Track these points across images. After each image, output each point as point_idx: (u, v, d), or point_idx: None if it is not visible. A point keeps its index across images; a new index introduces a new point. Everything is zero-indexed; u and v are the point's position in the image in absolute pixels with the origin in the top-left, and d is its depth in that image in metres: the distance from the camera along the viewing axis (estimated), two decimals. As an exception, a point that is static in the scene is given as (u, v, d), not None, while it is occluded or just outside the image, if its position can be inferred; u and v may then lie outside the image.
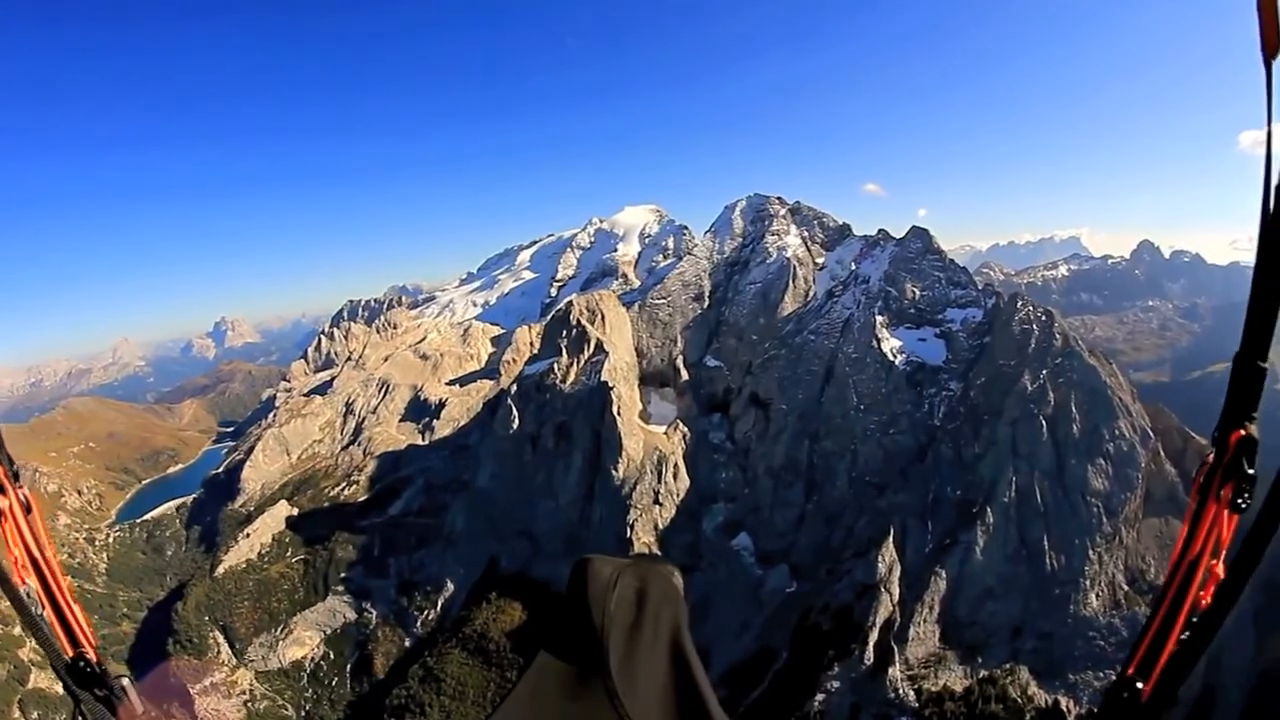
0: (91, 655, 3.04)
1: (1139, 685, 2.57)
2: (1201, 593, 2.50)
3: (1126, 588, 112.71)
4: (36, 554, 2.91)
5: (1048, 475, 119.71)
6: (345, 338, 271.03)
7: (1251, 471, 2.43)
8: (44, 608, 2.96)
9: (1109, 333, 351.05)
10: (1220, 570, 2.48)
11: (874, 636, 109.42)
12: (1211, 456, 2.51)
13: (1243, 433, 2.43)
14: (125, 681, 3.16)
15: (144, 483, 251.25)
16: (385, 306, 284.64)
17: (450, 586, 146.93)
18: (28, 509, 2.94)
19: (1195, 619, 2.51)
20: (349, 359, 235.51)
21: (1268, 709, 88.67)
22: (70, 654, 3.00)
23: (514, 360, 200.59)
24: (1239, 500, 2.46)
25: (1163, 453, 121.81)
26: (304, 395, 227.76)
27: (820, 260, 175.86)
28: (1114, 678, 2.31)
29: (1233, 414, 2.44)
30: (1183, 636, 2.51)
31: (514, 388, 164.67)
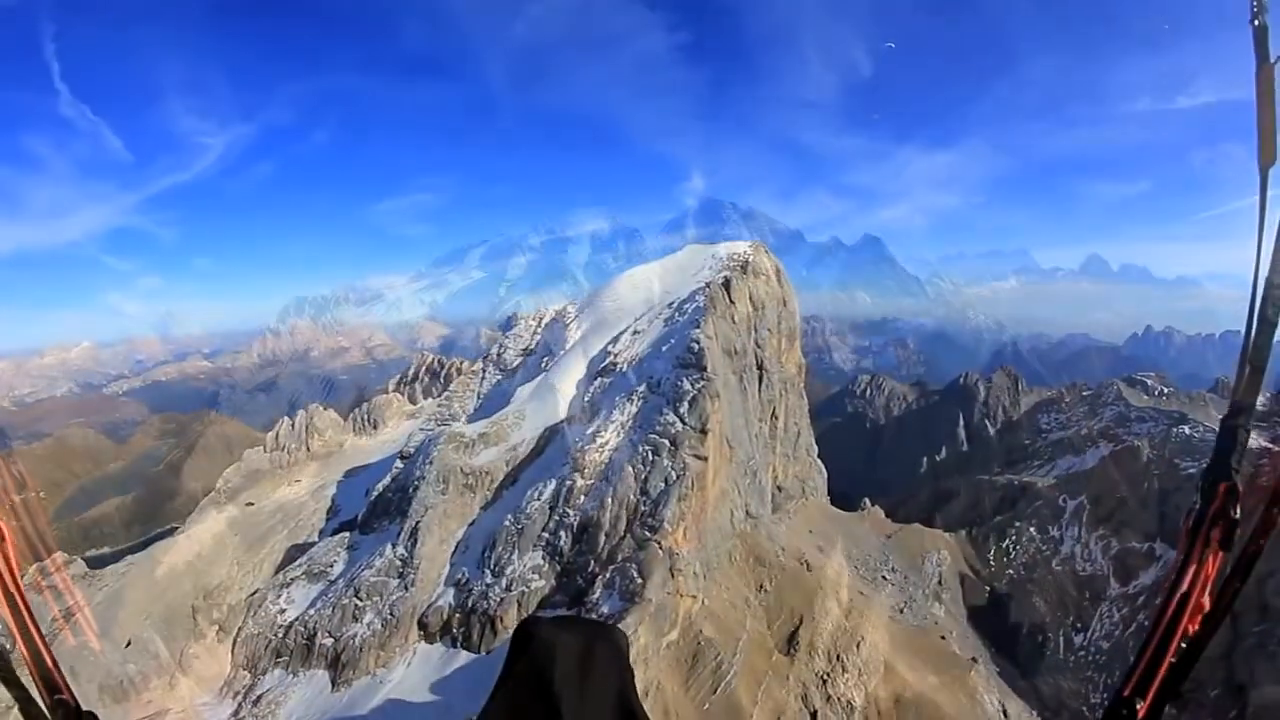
0: (65, 696, 2.72)
1: (1136, 705, 2.80)
2: (1189, 622, 2.80)
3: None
4: (11, 586, 2.71)
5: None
6: (291, 335, 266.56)
7: (1237, 517, 2.79)
8: (16, 642, 2.68)
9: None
10: (1206, 602, 2.80)
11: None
12: (1198, 503, 2.88)
13: (1228, 484, 2.81)
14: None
15: (82, 480, 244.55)
16: (333, 303, 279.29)
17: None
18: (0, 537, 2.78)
19: (1184, 645, 2.81)
20: (294, 356, 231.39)
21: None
22: (47, 699, 2.67)
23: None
24: (1227, 540, 2.82)
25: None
26: (248, 393, 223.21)
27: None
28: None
29: (1219, 468, 2.84)
30: (1172, 660, 2.79)
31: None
